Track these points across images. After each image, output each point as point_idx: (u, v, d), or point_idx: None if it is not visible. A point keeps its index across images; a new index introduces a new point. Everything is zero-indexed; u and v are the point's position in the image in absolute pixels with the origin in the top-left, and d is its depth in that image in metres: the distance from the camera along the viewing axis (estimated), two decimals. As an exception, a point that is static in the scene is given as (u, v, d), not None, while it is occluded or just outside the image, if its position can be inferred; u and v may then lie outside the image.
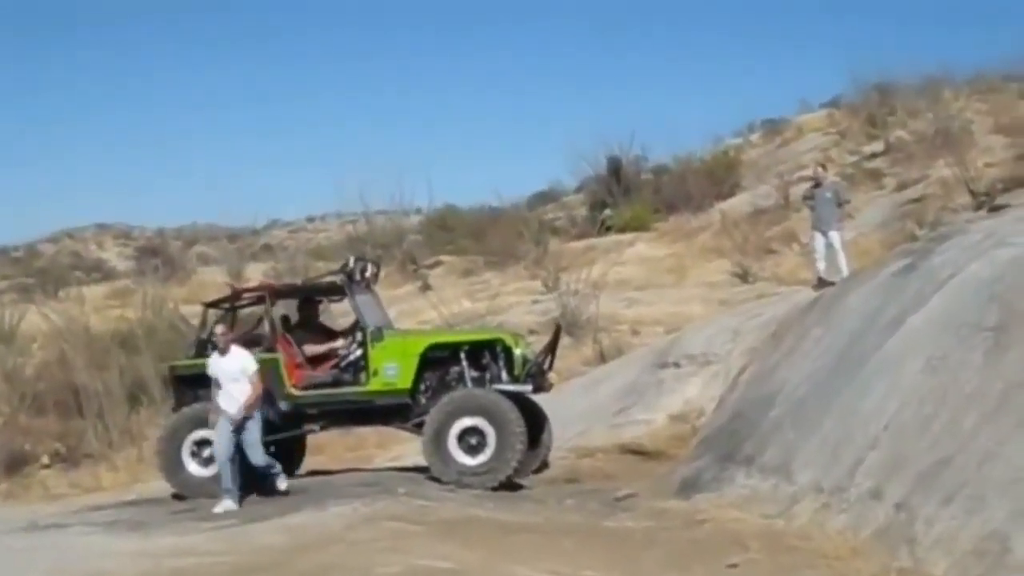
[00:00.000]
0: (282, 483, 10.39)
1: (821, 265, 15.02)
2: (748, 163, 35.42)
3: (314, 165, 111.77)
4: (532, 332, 16.88)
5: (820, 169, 16.39)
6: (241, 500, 10.11)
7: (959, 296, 8.99)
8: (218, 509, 9.92)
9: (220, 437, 10.14)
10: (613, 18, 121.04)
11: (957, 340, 8.47)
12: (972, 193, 20.52)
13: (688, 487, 10.02)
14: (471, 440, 10.50)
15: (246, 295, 12.11)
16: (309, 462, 12.32)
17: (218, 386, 10.28)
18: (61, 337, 20.22)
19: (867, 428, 8.50)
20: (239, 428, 10.13)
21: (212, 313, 11.75)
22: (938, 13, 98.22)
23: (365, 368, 11.03)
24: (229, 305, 11.86)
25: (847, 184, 21.95)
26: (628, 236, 29.17)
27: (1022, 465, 6.99)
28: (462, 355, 11.06)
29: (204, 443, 10.67)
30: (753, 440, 9.87)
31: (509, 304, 22.82)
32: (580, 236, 31.18)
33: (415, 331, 14.03)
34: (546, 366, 11.28)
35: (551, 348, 11.39)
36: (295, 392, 11.03)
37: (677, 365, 13.87)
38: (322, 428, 11.52)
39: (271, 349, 11.10)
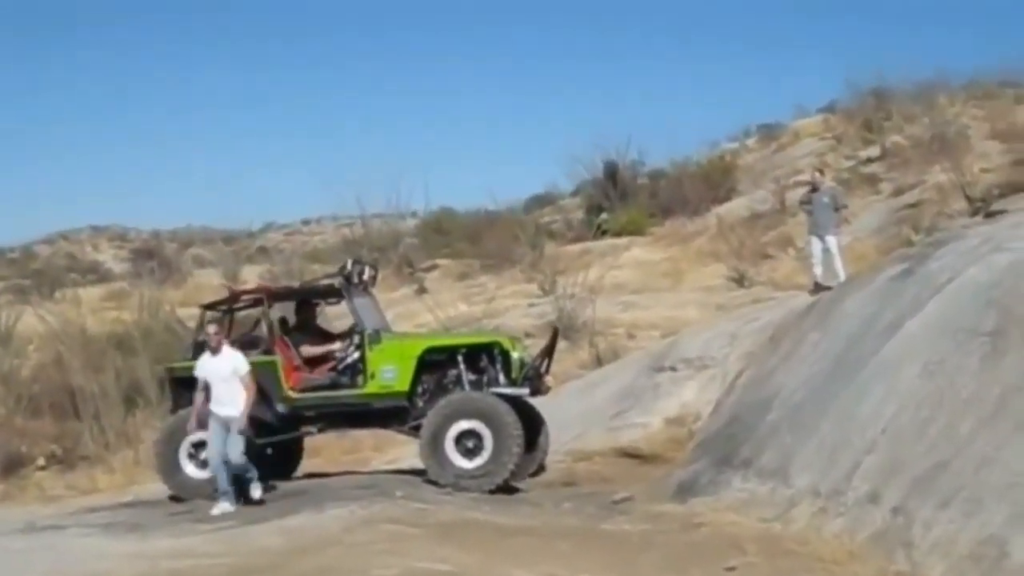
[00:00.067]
0: (256, 491, 10.19)
1: (818, 270, 15.02)
2: (744, 168, 35.51)
3: (310, 168, 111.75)
4: (528, 335, 16.88)
5: (818, 174, 16.39)
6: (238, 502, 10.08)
7: (956, 301, 9.01)
8: (215, 511, 9.90)
9: (214, 440, 10.11)
10: (610, 22, 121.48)
11: (954, 345, 8.49)
12: (968, 198, 20.52)
13: (685, 491, 10.02)
14: (468, 443, 10.49)
15: (244, 297, 12.14)
16: (306, 464, 12.33)
17: (204, 388, 10.17)
18: (57, 339, 20.22)
19: (864, 432, 8.51)
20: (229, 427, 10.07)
21: (210, 315, 11.74)
22: (934, 19, 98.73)
23: (363, 371, 11.03)
24: (227, 307, 11.86)
25: (843, 189, 21.96)
26: (624, 240, 29.20)
27: (1019, 469, 7.02)
28: (459, 358, 11.05)
29: (201, 445, 10.63)
30: (750, 444, 9.88)
31: (505, 307, 22.78)
32: (576, 240, 31.17)
33: (412, 334, 14.04)
34: (543, 369, 11.28)
35: (548, 352, 11.38)
36: (293, 394, 11.02)
37: (674, 369, 13.85)
38: (319, 430, 11.52)
39: (269, 351, 11.11)
